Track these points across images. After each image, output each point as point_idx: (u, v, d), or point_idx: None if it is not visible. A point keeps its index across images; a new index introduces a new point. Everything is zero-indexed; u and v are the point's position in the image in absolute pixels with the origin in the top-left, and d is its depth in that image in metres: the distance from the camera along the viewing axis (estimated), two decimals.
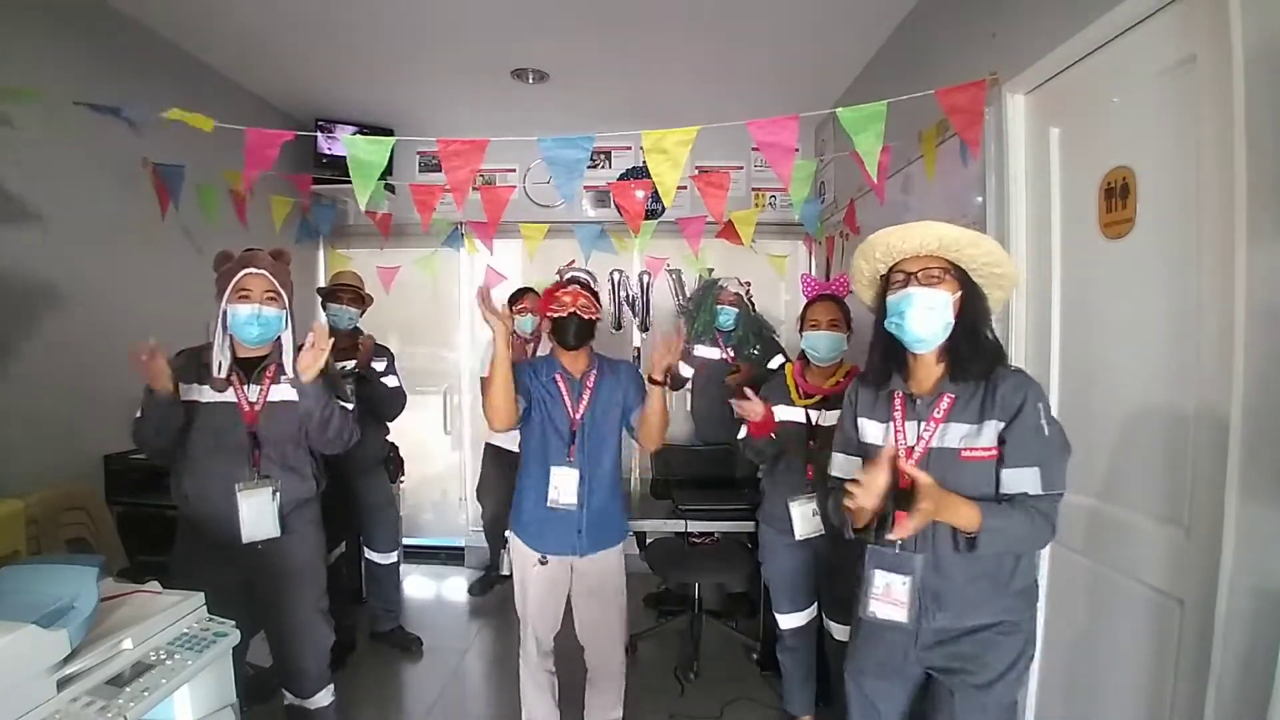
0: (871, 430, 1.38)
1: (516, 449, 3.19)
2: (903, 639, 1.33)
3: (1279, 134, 1.10)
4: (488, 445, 3.33)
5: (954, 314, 1.26)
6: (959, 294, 1.27)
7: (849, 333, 2.04)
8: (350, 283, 2.75)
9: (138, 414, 1.65)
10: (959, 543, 1.23)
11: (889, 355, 1.35)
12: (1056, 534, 1.22)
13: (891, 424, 1.34)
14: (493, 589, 3.48)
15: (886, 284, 1.33)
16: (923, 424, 1.29)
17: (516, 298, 3.21)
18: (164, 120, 1.99)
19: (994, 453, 1.23)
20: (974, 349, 1.27)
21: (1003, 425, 1.22)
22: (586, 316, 1.86)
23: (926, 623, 1.29)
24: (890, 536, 1.22)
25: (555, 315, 1.86)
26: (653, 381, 1.81)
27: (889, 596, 1.29)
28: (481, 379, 3.22)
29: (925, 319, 1.25)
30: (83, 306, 2.31)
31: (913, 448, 1.29)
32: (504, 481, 3.29)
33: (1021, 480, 1.21)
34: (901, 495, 1.24)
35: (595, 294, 1.91)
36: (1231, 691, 1.19)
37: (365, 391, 2.56)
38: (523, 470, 1.97)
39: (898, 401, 1.34)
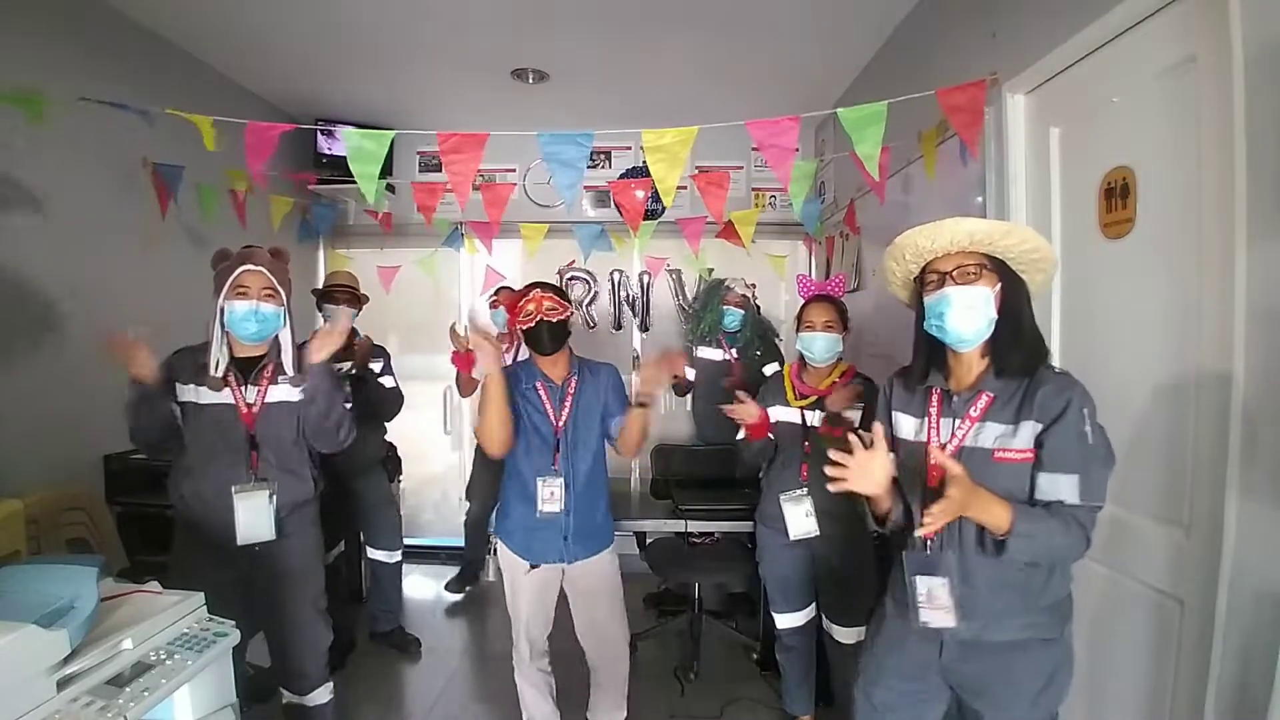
0: (905, 424, 1.34)
1: None
2: (927, 652, 1.29)
3: (1279, 134, 1.10)
4: (479, 446, 3.33)
5: (996, 308, 1.21)
6: (999, 286, 1.21)
7: (845, 333, 2.04)
8: (346, 283, 2.75)
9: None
10: (986, 543, 1.19)
11: (931, 355, 1.30)
12: (1091, 547, 1.16)
13: (926, 419, 1.29)
14: (469, 586, 3.49)
15: (921, 283, 1.28)
16: (957, 421, 1.24)
17: (495, 295, 3.24)
18: (164, 119, 2.00)
19: (1029, 455, 1.18)
20: (1016, 340, 1.21)
21: (1040, 427, 1.17)
22: (555, 319, 1.81)
23: (950, 634, 1.24)
24: (918, 534, 1.19)
25: (525, 327, 1.82)
26: (639, 404, 1.80)
27: (933, 603, 1.23)
28: (453, 356, 3.21)
29: (966, 319, 1.20)
30: (83, 306, 2.31)
31: (945, 445, 1.24)
32: (490, 481, 3.30)
33: (1058, 487, 1.14)
34: (931, 494, 1.20)
35: (560, 291, 1.87)
36: (1231, 691, 1.19)
37: (362, 393, 2.56)
38: (506, 479, 1.95)
39: (934, 397, 1.29)
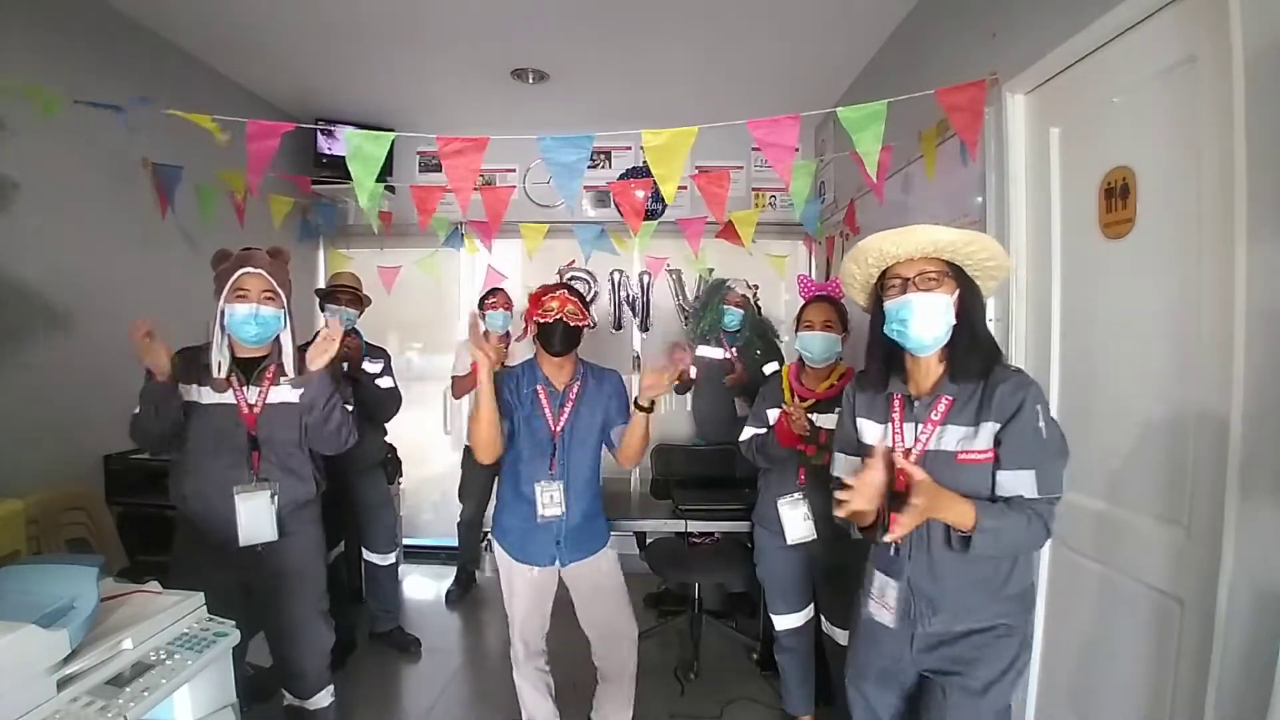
0: (869, 431, 1.37)
1: None
2: (898, 643, 1.32)
3: (1279, 134, 1.10)
4: (467, 447, 3.32)
5: (955, 314, 1.25)
6: (957, 293, 1.25)
7: (844, 334, 2.03)
8: (348, 284, 2.75)
9: (136, 410, 1.64)
10: (953, 541, 1.22)
11: (888, 359, 1.33)
12: (1052, 536, 1.21)
13: (890, 425, 1.32)
14: (470, 590, 3.49)
15: (881, 288, 1.31)
16: (920, 426, 1.28)
17: (488, 295, 3.23)
18: (163, 120, 1.99)
19: (990, 455, 1.21)
20: (972, 345, 1.25)
21: (999, 427, 1.20)
22: (573, 324, 1.82)
23: (922, 627, 1.28)
24: (886, 539, 1.21)
25: (541, 321, 1.81)
26: (639, 408, 1.78)
27: (882, 599, 1.29)
28: (453, 378, 3.22)
29: (929, 324, 1.23)
30: (82, 306, 2.31)
31: (909, 450, 1.28)
32: (482, 483, 3.31)
33: (1018, 483, 1.19)
34: (896, 496, 1.23)
35: (584, 299, 1.88)
36: (1231, 691, 1.19)
37: (359, 395, 2.56)
38: (503, 481, 1.95)
39: (896, 403, 1.32)
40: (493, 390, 1.73)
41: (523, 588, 1.90)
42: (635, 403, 1.81)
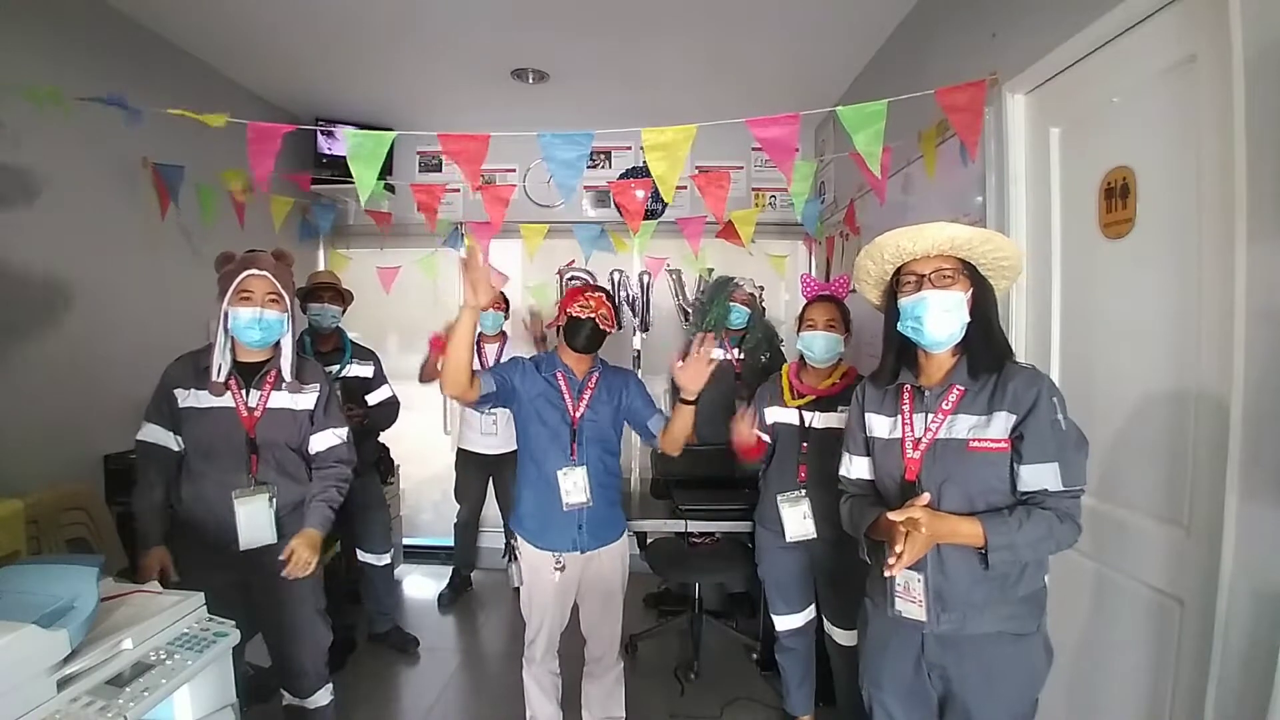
0: (879, 424, 1.37)
1: (486, 451, 3.17)
2: (910, 647, 1.31)
3: (1279, 134, 1.10)
4: (460, 450, 3.33)
5: (968, 311, 1.25)
6: (971, 290, 1.26)
7: (847, 335, 2.03)
8: (328, 280, 2.73)
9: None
10: (980, 559, 1.21)
11: (901, 355, 1.34)
12: (1082, 532, 1.20)
13: (899, 417, 1.32)
14: (463, 594, 3.46)
15: (895, 284, 1.32)
16: (930, 416, 1.28)
17: None
18: (164, 120, 1.99)
19: (1002, 445, 1.21)
20: (987, 342, 1.26)
21: (1014, 418, 1.20)
22: (604, 327, 1.89)
23: (931, 626, 1.27)
24: (886, 574, 1.21)
25: (576, 315, 1.86)
26: (684, 401, 1.79)
27: (908, 594, 1.28)
28: (431, 338, 3.18)
29: (943, 321, 1.24)
30: (82, 306, 2.31)
31: (919, 439, 1.28)
32: (476, 485, 3.30)
33: (1041, 477, 1.19)
34: (908, 488, 1.25)
35: (616, 308, 1.94)
36: (1231, 691, 1.19)
37: (357, 426, 2.56)
38: (520, 470, 1.98)
39: (906, 395, 1.33)
40: (471, 331, 1.63)
41: (546, 589, 1.91)
42: (680, 398, 1.80)
